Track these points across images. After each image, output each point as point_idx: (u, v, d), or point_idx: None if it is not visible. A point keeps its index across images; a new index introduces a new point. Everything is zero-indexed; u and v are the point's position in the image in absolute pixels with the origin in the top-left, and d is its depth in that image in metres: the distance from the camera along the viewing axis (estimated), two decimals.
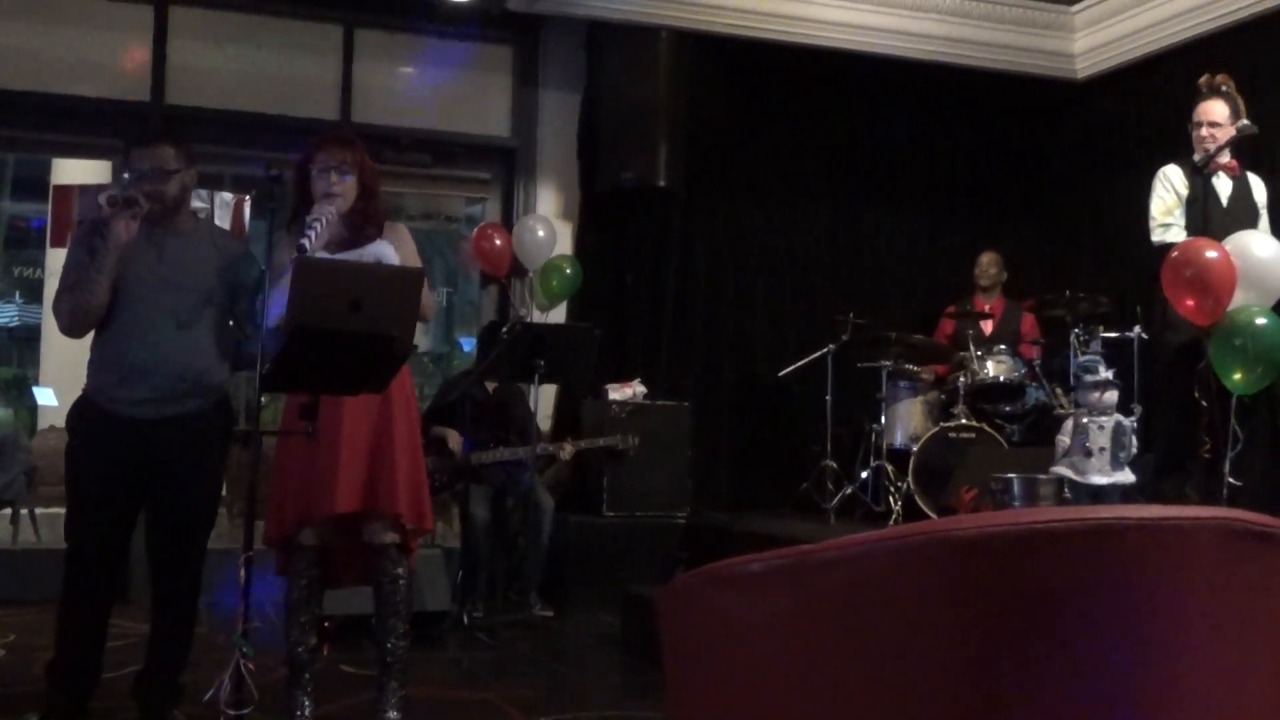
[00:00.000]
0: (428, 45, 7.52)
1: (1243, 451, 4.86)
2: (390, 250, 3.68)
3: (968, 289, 7.64)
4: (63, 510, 3.74)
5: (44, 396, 9.23)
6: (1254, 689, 1.63)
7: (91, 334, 3.68)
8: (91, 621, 3.66)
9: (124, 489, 3.62)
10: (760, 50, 7.49)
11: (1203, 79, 5.21)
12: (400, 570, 3.72)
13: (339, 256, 3.60)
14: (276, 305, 3.35)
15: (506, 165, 7.67)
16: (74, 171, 9.25)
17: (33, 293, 11.52)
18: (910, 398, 6.85)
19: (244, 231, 7.33)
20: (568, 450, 6.30)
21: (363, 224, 3.70)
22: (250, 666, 3.24)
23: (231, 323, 3.79)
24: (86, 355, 3.72)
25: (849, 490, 6.69)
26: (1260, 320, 4.67)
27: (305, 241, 3.41)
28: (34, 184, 10.42)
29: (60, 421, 7.95)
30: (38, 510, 7.54)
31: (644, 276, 7.57)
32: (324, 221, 3.52)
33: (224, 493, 5.00)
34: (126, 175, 3.65)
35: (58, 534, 7.25)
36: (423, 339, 11.76)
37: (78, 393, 3.75)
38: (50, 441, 7.53)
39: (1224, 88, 5.11)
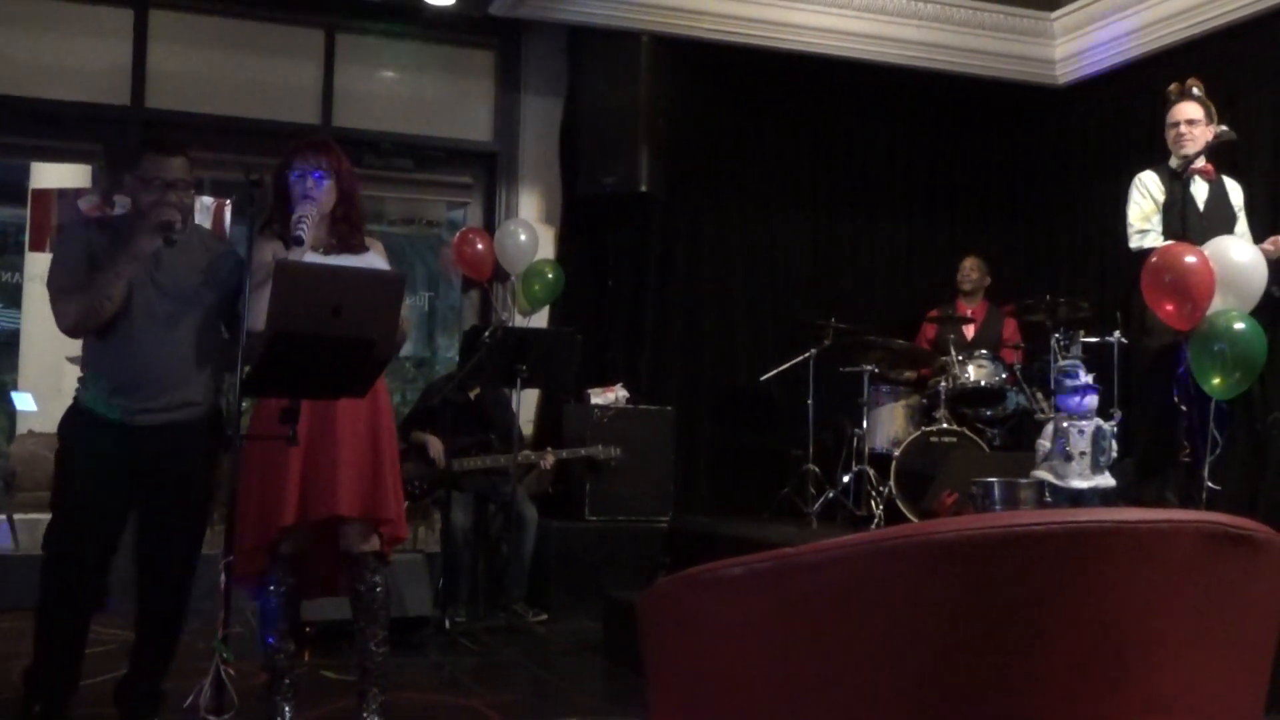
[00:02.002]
0: (409, 49, 7.51)
1: (1221, 456, 4.88)
2: (381, 262, 3.73)
3: (949, 293, 7.67)
4: (42, 516, 3.72)
5: (22, 402, 9.16)
6: (1232, 688, 1.63)
7: (78, 342, 3.67)
8: (72, 628, 3.62)
9: (117, 495, 3.58)
10: (741, 55, 7.51)
11: (1172, 85, 5.25)
12: (379, 578, 3.71)
13: (329, 261, 3.60)
14: (259, 308, 3.36)
15: (488, 170, 7.66)
16: (53, 176, 9.20)
17: (11, 297, 11.44)
18: (892, 402, 6.87)
19: (225, 236, 7.31)
20: (549, 460, 6.30)
21: (348, 231, 3.72)
22: (230, 672, 3.23)
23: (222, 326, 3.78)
24: (66, 359, 3.70)
25: (831, 495, 6.70)
26: (1239, 325, 4.69)
27: (300, 233, 3.47)
28: (12, 189, 10.36)
29: (39, 427, 7.91)
30: (16, 516, 7.48)
31: (626, 281, 7.57)
32: (311, 218, 3.56)
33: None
34: (148, 182, 3.59)
35: (36, 540, 7.20)
36: (404, 344, 11.72)
37: (58, 398, 3.73)
38: (28, 447, 7.47)
39: (1195, 90, 5.14)
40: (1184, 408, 4.85)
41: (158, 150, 3.66)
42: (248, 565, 3.58)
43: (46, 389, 8.36)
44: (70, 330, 3.58)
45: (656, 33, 7.19)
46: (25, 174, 9.67)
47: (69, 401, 3.73)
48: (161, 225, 3.53)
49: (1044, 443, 5.03)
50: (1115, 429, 4.97)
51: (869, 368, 6.77)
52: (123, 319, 3.54)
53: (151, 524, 3.65)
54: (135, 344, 3.54)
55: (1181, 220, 5.00)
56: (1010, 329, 7.31)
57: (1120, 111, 7.65)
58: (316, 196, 3.65)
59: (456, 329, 8.86)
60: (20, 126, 6.94)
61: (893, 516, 6.27)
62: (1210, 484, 4.79)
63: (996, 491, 4.97)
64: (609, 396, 6.93)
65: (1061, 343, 5.88)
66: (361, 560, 3.67)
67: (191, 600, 3.81)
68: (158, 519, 3.64)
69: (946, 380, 6.62)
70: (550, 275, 7.27)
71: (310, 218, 3.56)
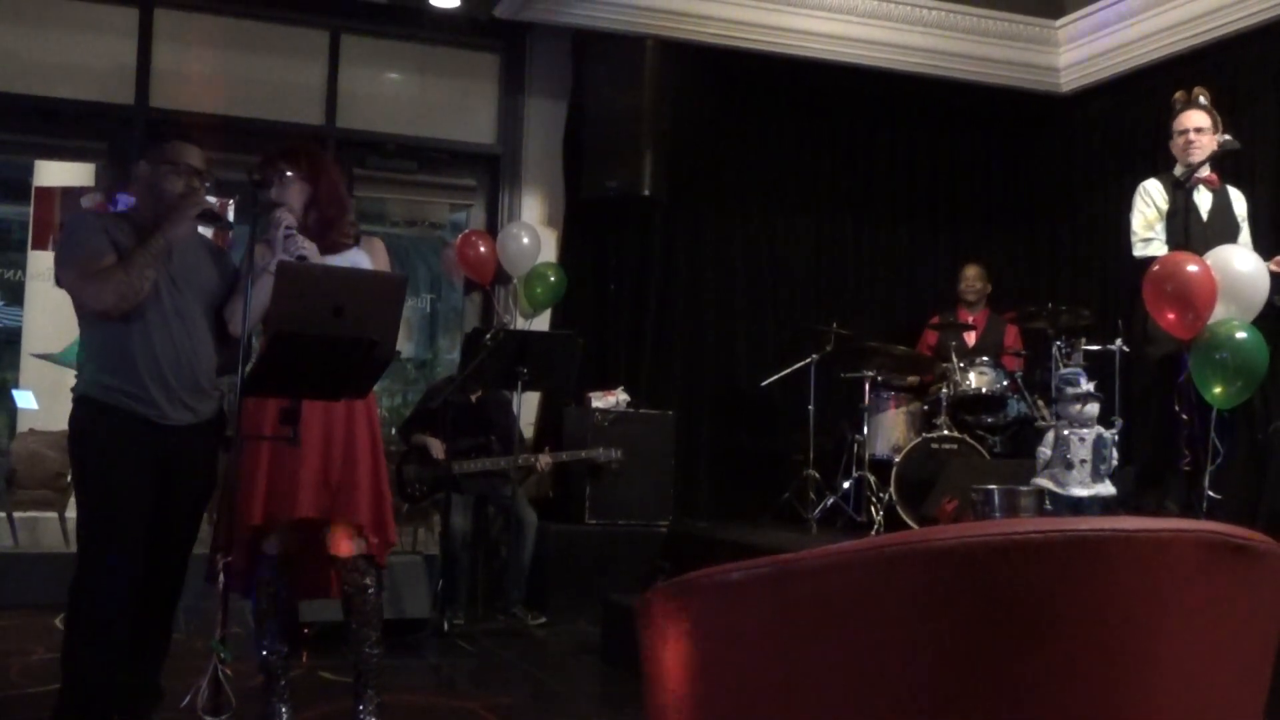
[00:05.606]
0: (414, 51, 7.52)
1: (1222, 465, 4.88)
2: (365, 259, 3.70)
3: (950, 300, 7.67)
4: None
5: (23, 400, 9.15)
6: (1230, 698, 1.63)
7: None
8: (116, 655, 3.44)
9: (148, 496, 3.48)
10: (745, 60, 7.51)
11: (1178, 94, 5.25)
12: (368, 580, 3.68)
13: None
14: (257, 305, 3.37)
15: (492, 172, 7.67)
16: (57, 174, 9.20)
17: (13, 295, 11.44)
18: (893, 408, 6.87)
19: (229, 238, 7.30)
20: (544, 461, 6.29)
21: (324, 231, 3.69)
22: (228, 672, 3.22)
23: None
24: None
25: (831, 500, 6.70)
26: (1240, 334, 4.70)
27: (303, 252, 3.48)
28: (16, 186, 10.36)
29: (40, 425, 7.90)
30: (16, 514, 7.47)
31: (627, 285, 7.58)
32: (293, 226, 3.58)
33: None
34: (170, 165, 3.56)
35: (35, 538, 7.22)
36: (406, 345, 11.72)
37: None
38: (29, 445, 7.45)
39: (1201, 99, 5.15)
40: (1185, 416, 4.84)
41: (183, 138, 3.65)
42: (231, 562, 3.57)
43: (48, 387, 8.35)
44: (107, 309, 3.43)
45: (661, 37, 7.20)
46: (29, 172, 9.68)
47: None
48: (206, 215, 3.51)
49: (1045, 450, 5.03)
50: (1116, 437, 4.98)
51: (870, 374, 6.77)
52: (146, 311, 3.48)
53: (162, 523, 3.57)
54: (159, 334, 3.48)
55: (1184, 229, 5.00)
56: (1012, 336, 7.31)
57: (1124, 120, 7.65)
58: (283, 201, 3.65)
59: (458, 331, 8.86)
60: (25, 124, 6.95)
61: (893, 523, 6.26)
62: (1211, 493, 4.79)
63: (997, 499, 4.97)
64: (610, 400, 6.92)
65: (1063, 350, 5.88)
66: (350, 563, 3.66)
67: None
68: (169, 518, 3.57)
69: (948, 387, 6.62)
70: (552, 278, 7.28)
71: (294, 226, 3.57)
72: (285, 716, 3.71)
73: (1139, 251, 5.18)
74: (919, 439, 6.45)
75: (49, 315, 8.50)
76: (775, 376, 7.03)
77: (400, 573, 5.44)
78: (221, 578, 3.30)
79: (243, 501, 3.50)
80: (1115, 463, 4.95)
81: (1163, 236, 5.13)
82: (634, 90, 7.13)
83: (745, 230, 7.92)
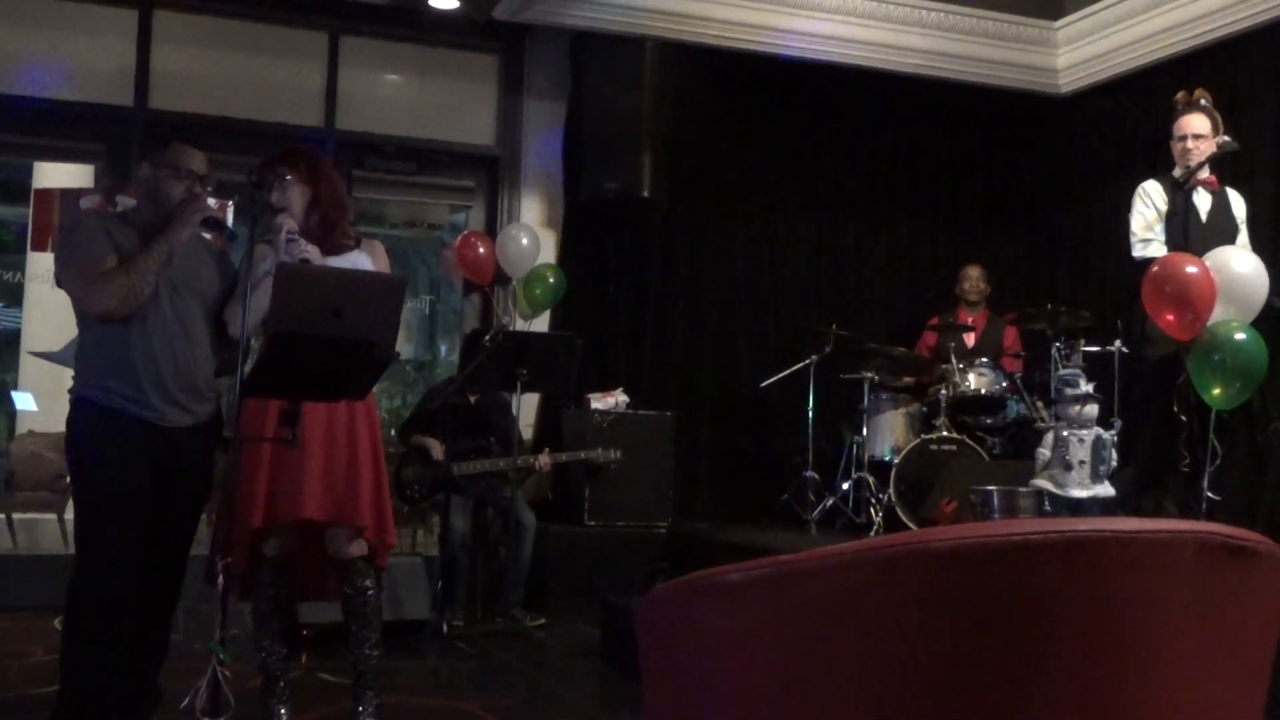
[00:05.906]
0: (413, 53, 7.52)
1: (1221, 466, 4.88)
2: (366, 261, 3.71)
3: (950, 302, 7.67)
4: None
5: (23, 401, 9.15)
6: (1229, 699, 1.63)
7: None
8: (115, 656, 3.44)
9: (150, 498, 3.49)
10: (745, 62, 7.51)
11: (1179, 95, 5.26)
12: (368, 582, 3.68)
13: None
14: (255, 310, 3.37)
15: (491, 174, 7.67)
16: (56, 175, 9.20)
17: (12, 296, 11.44)
18: (892, 409, 6.87)
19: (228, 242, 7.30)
20: (544, 461, 6.28)
21: (326, 233, 3.70)
22: (227, 673, 3.22)
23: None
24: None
25: (830, 501, 6.70)
26: (1239, 335, 4.70)
27: (298, 251, 3.49)
28: (15, 188, 10.36)
29: (39, 426, 7.90)
30: (15, 516, 7.47)
31: (627, 286, 7.58)
32: (295, 229, 3.59)
33: None
34: (171, 170, 3.56)
35: (35, 540, 7.22)
36: (405, 347, 11.72)
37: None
38: (28, 446, 7.45)
39: (1203, 101, 5.15)
40: (1184, 418, 4.84)
41: (186, 142, 3.64)
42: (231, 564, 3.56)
43: (47, 388, 8.35)
44: (110, 312, 3.43)
45: (660, 38, 7.20)
46: (28, 173, 9.67)
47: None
48: (210, 223, 3.53)
49: (1044, 451, 5.03)
50: (1115, 438, 4.98)
51: (869, 375, 6.78)
52: (147, 312, 3.47)
53: (160, 524, 3.55)
54: (158, 337, 3.49)
55: (1183, 230, 5.00)
56: (1011, 337, 7.31)
57: (1122, 121, 7.66)
58: (282, 206, 3.66)
59: (457, 332, 8.86)
60: (24, 126, 6.95)
61: (892, 524, 6.27)
62: (1210, 494, 4.79)
63: (996, 500, 4.97)
64: (609, 401, 6.92)
65: (1062, 351, 5.88)
66: (349, 564, 3.67)
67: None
68: (168, 519, 3.56)
69: (947, 388, 6.63)
70: (551, 279, 7.28)
71: (295, 229, 3.60)
72: (284, 718, 3.71)
73: (1138, 252, 5.18)
74: (918, 440, 6.45)
75: (48, 317, 8.49)
76: (775, 377, 7.03)
77: (400, 574, 5.44)
78: (220, 579, 3.29)
79: (243, 504, 3.50)
80: (1114, 464, 4.95)
81: (1162, 238, 5.13)
82: (633, 91, 7.13)
83: (745, 231, 7.92)
